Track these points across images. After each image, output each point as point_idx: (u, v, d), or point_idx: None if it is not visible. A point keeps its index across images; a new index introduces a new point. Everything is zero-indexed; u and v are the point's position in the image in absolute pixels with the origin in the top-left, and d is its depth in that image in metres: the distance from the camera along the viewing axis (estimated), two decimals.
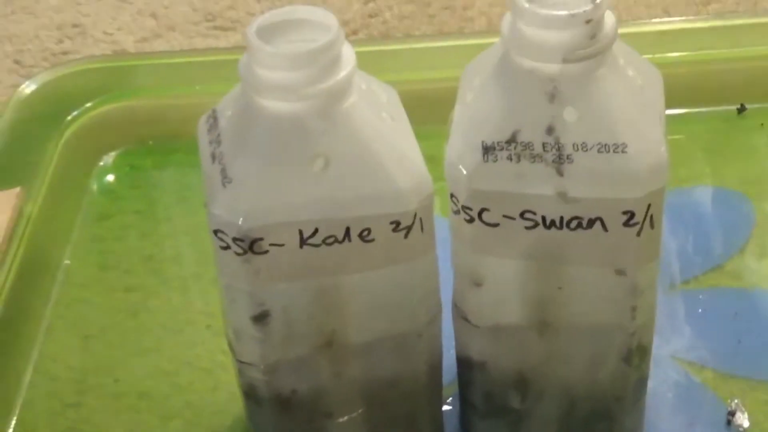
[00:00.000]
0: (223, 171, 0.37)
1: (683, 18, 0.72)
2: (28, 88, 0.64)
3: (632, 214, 0.38)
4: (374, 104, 0.39)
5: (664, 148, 0.38)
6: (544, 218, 0.39)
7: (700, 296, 0.53)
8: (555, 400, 0.44)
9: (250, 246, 0.37)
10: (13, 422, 0.50)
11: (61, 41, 0.75)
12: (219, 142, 0.38)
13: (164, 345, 0.53)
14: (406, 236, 0.38)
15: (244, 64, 0.37)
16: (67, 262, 0.57)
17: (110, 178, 0.63)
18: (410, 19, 0.76)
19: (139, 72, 0.66)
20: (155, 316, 0.54)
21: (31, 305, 0.54)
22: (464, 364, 0.44)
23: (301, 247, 0.38)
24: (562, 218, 0.38)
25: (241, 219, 0.37)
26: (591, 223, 0.38)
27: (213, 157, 0.38)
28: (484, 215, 0.39)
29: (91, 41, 0.74)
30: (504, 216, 0.39)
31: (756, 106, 0.63)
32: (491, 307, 0.41)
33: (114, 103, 0.64)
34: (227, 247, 0.38)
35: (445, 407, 0.47)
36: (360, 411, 0.42)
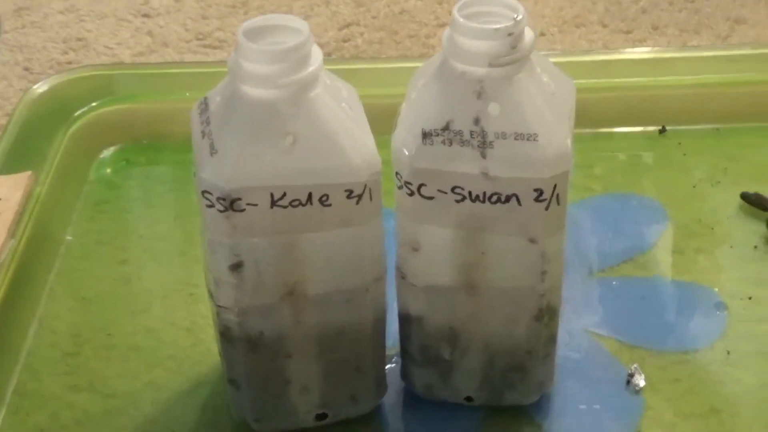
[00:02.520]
0: (211, 144, 0.46)
1: (618, 50, 0.81)
2: (39, 88, 0.72)
3: (541, 192, 0.47)
4: (336, 96, 0.47)
5: (568, 140, 0.47)
6: (470, 193, 0.47)
7: (614, 282, 0.62)
8: (478, 353, 0.52)
9: (231, 204, 0.46)
10: (19, 367, 0.58)
11: (66, 52, 0.84)
12: (208, 122, 0.47)
13: (152, 308, 0.61)
14: (357, 203, 0.47)
15: (232, 59, 0.46)
16: (69, 237, 0.66)
17: (108, 170, 0.71)
18: (379, 44, 0.85)
19: (136, 79, 0.75)
20: (144, 284, 0.63)
21: (37, 272, 0.63)
22: (404, 319, 0.53)
23: (271, 207, 0.46)
24: (484, 193, 0.47)
25: (224, 181, 0.46)
26: (508, 198, 0.47)
27: (203, 134, 0.47)
28: (422, 189, 0.48)
29: (93, 53, 0.83)
30: (438, 190, 0.48)
31: (675, 127, 0.72)
32: (427, 269, 0.50)
33: (114, 105, 0.73)
34: (212, 206, 0.46)
35: (389, 366, 0.55)
36: (314, 354, 0.51)
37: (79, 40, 0.85)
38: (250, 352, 0.50)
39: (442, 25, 0.88)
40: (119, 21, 0.88)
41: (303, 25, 0.46)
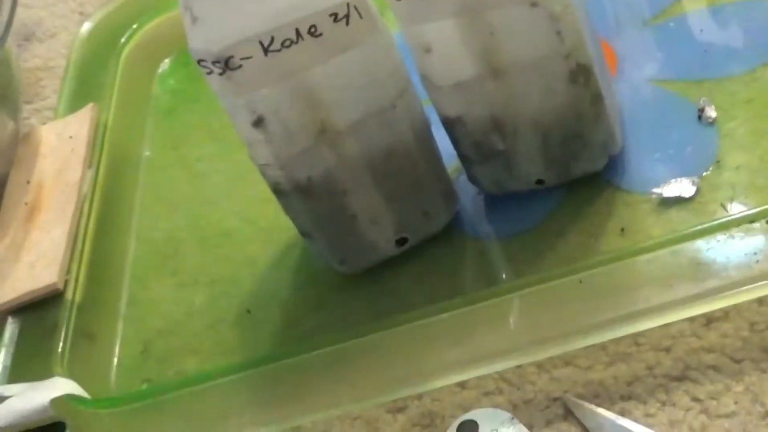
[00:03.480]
0: (191, 14, 0.47)
1: None
2: (85, 28, 0.74)
3: None
4: None
5: None
6: None
7: (671, 24, 0.60)
8: (530, 134, 0.51)
9: (226, 64, 0.46)
10: (127, 281, 0.61)
11: None
12: None
13: (232, 194, 0.63)
14: (347, 24, 0.47)
15: None
16: (147, 153, 0.68)
17: (171, 81, 0.73)
18: None
19: None
20: (221, 174, 0.64)
21: (123, 192, 0.65)
22: (447, 124, 0.52)
23: (266, 55, 0.46)
24: None
25: (211, 44, 0.46)
26: None
27: (185, 8, 0.48)
28: None
29: None
30: None
31: None
32: (446, 66, 0.49)
33: (156, 19, 0.74)
34: (211, 72, 0.47)
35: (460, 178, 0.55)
36: (370, 184, 0.51)
37: None
38: (306, 199, 0.51)
39: None
40: None
41: None
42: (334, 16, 0.46)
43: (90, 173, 0.64)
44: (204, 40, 0.46)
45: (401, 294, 0.53)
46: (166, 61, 0.74)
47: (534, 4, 0.47)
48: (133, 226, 0.63)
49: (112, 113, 0.68)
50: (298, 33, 0.46)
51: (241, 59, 0.46)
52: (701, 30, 0.58)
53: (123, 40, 0.73)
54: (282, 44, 0.46)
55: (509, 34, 0.48)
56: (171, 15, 0.73)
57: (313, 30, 0.46)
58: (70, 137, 0.66)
